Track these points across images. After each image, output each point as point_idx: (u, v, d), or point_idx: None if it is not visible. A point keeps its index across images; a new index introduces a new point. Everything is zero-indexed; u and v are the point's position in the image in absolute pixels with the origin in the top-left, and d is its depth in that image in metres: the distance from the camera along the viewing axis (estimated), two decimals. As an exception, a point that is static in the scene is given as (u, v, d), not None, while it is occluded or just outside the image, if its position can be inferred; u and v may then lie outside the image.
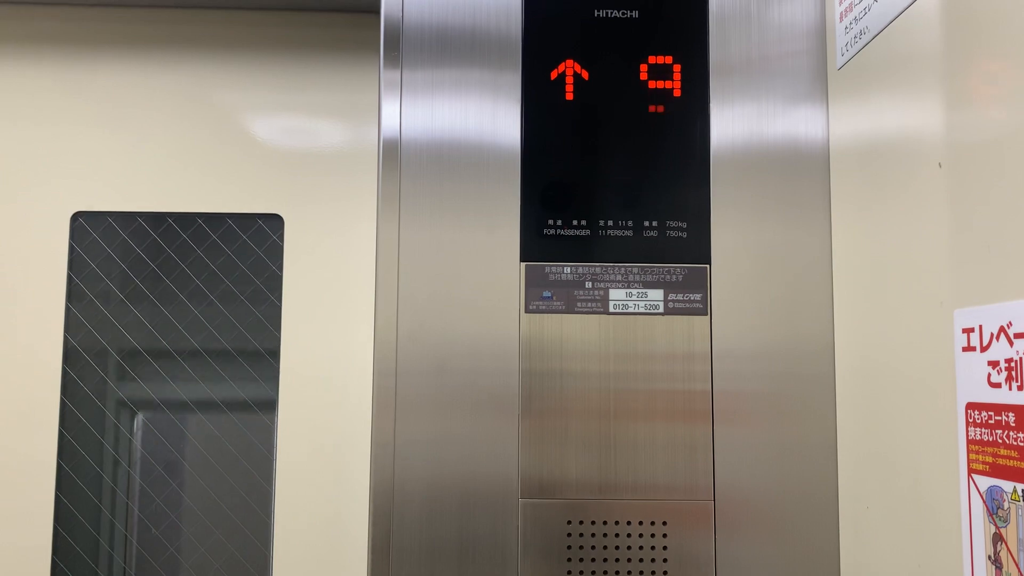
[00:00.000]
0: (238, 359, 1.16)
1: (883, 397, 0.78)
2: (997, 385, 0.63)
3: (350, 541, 1.14)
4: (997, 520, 0.63)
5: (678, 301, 0.86)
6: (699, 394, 0.85)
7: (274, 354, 1.15)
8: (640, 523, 0.83)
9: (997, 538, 0.63)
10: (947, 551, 0.68)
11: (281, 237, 1.16)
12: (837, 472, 0.84)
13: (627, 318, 0.86)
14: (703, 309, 0.86)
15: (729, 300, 0.86)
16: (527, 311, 0.85)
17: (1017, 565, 0.60)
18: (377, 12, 0.89)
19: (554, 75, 0.88)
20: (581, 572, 0.82)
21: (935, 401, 0.70)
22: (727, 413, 0.85)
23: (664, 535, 0.83)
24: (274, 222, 1.16)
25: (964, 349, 0.66)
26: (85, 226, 1.16)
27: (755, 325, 0.86)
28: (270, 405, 1.15)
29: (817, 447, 0.85)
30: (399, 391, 0.84)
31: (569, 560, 0.82)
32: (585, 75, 0.88)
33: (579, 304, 0.86)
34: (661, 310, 0.86)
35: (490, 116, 0.88)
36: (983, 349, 0.64)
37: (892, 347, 0.76)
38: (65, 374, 1.14)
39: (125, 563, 1.12)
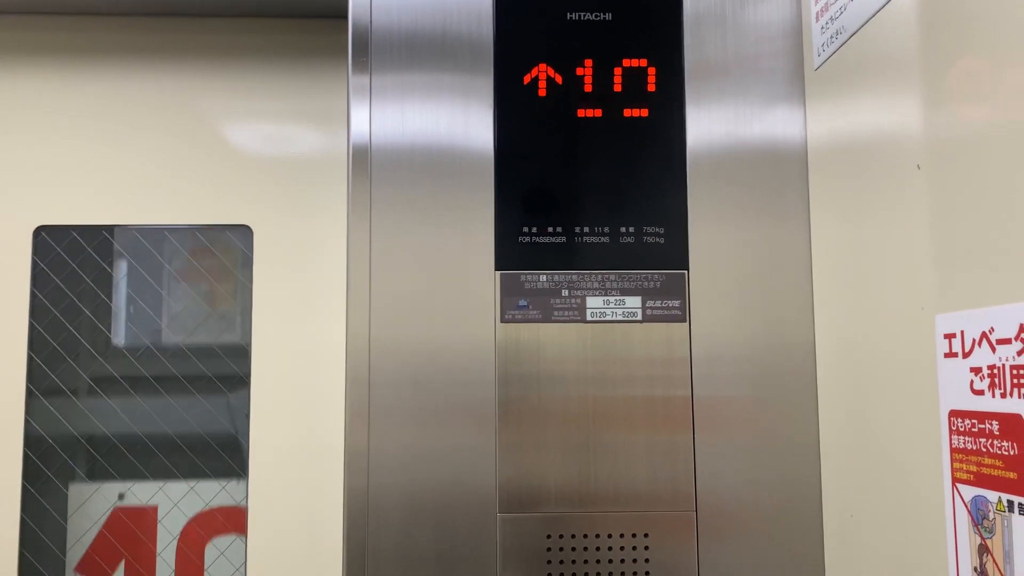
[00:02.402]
0: (207, 373, 1.13)
1: (866, 404, 0.76)
2: (980, 392, 0.61)
3: (326, 552, 1.12)
4: (983, 531, 0.61)
5: (656, 308, 0.84)
6: (679, 401, 0.83)
7: (245, 366, 1.12)
8: (621, 535, 0.81)
9: (983, 549, 0.61)
10: (933, 561, 0.66)
11: (250, 248, 1.14)
12: (821, 480, 0.83)
13: (605, 326, 0.84)
14: (682, 316, 0.84)
15: (708, 306, 0.84)
16: (503, 320, 0.84)
17: (1004, 576, 0.59)
18: (346, 17, 0.87)
19: (527, 79, 0.86)
20: (561, 574, 0.80)
21: (918, 408, 0.68)
22: (708, 420, 0.83)
23: (646, 547, 0.81)
24: (243, 232, 1.14)
25: (946, 355, 0.65)
26: (48, 240, 1.13)
27: (735, 330, 0.84)
28: (241, 418, 1.13)
29: (800, 454, 0.83)
30: (372, 402, 0.82)
31: (549, 575, 0.80)
32: (559, 79, 0.86)
33: (556, 313, 0.84)
34: (639, 317, 0.84)
35: (462, 121, 0.86)
36: (965, 355, 0.63)
37: (874, 352, 0.75)
38: (29, 393, 1.11)
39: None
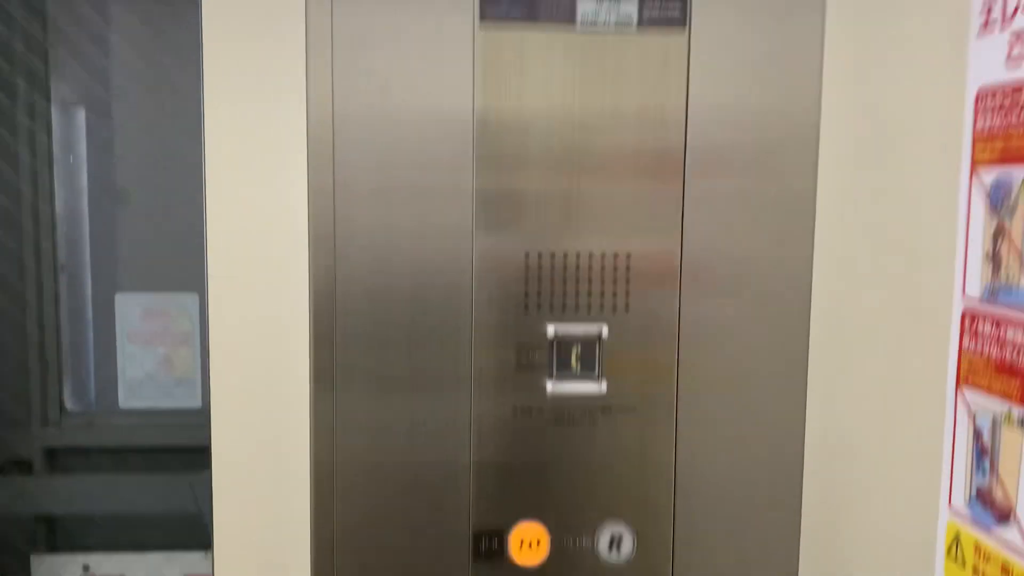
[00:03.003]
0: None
1: (877, 137, 0.70)
2: (1019, 59, 0.55)
3: (292, 335, 1.05)
4: (1002, 213, 0.57)
5: (654, 11, 0.76)
6: (672, 144, 0.76)
7: (196, 139, 1.02)
8: (603, 255, 0.76)
9: (999, 231, 0.57)
10: (939, 277, 0.62)
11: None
12: (814, 229, 0.77)
13: (595, 43, 0.76)
14: (680, 19, 0.76)
15: (711, 14, 0.76)
16: (483, 18, 0.75)
17: (1020, 255, 0.55)
18: None
19: None
20: (539, 292, 0.76)
21: (936, 94, 0.62)
22: (701, 164, 0.76)
23: (627, 268, 0.76)
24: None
25: (981, 30, 0.58)
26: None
27: (738, 48, 0.76)
28: (195, 183, 1.03)
29: (795, 207, 0.77)
30: (336, 176, 0.74)
31: (527, 281, 0.76)
32: None
33: (543, 12, 0.75)
34: (634, 23, 0.76)
35: None
36: (1005, 23, 0.56)
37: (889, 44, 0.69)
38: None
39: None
